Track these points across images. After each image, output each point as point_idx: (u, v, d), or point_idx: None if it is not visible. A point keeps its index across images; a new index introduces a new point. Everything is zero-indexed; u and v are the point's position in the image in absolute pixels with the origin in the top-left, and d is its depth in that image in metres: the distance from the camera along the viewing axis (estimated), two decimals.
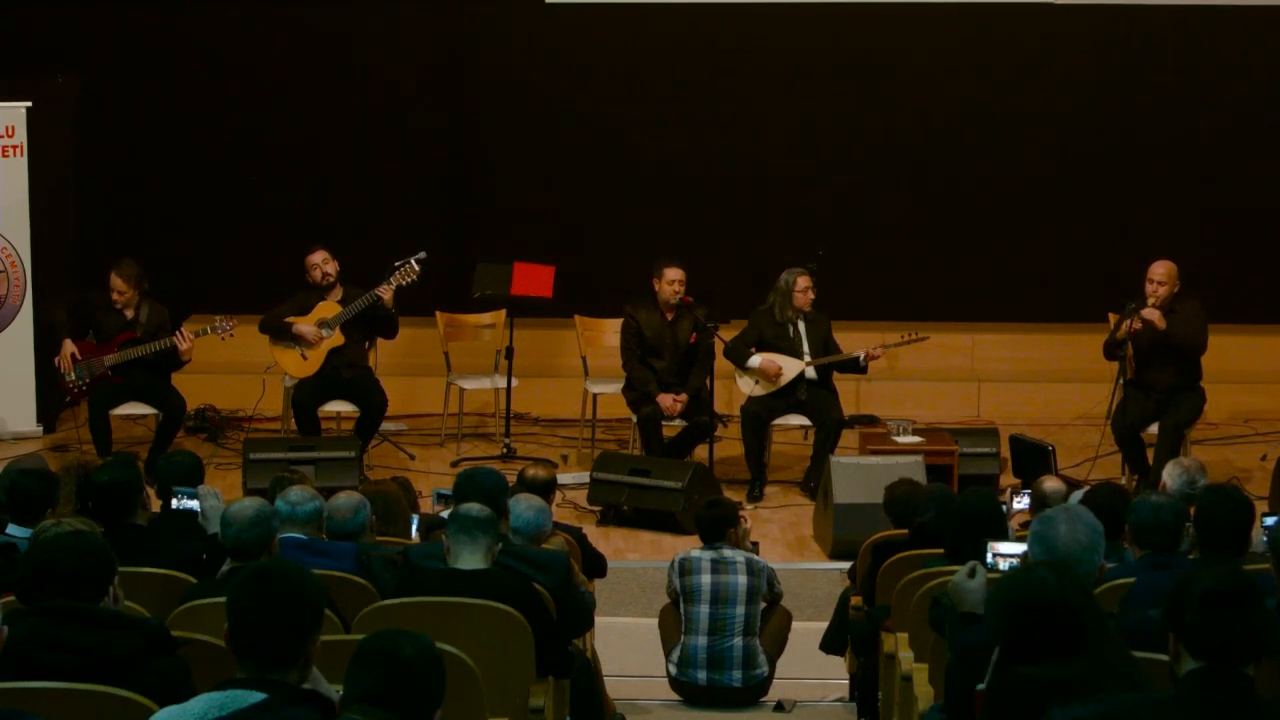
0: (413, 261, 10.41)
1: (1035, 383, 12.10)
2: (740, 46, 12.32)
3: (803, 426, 10.81)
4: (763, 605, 7.69)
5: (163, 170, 12.42)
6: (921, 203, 12.41)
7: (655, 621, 7.94)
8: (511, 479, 7.24)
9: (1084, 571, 4.68)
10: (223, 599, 3.83)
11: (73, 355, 10.22)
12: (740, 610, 7.57)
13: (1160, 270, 9.96)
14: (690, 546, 7.82)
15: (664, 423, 10.40)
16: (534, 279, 10.85)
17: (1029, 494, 7.83)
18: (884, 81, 12.33)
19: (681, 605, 7.64)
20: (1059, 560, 4.65)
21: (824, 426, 10.29)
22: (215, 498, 6.93)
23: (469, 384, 11.25)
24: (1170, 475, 6.74)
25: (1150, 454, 9.90)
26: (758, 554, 7.87)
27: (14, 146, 11.02)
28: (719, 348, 10.39)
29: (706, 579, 7.56)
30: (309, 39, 12.40)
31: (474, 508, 5.79)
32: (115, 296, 10.29)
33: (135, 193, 12.37)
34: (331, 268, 10.44)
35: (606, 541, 9.37)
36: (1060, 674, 3.92)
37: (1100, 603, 5.06)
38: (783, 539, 9.65)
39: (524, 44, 12.42)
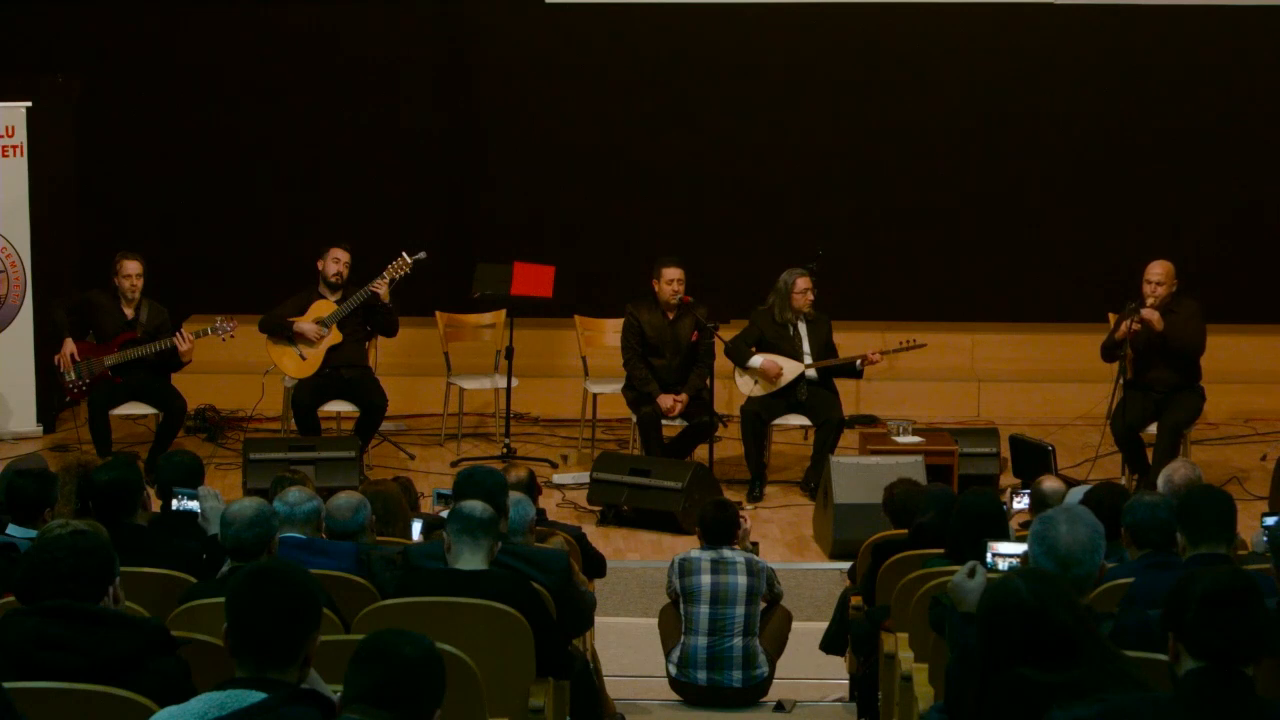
0: (404, 255, 10.42)
1: (1035, 383, 12.10)
2: (740, 46, 12.33)
3: (803, 426, 10.82)
4: (763, 605, 7.69)
5: (163, 170, 12.43)
6: (922, 203, 12.42)
7: (655, 621, 7.94)
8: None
9: (1085, 572, 4.68)
10: (223, 599, 3.83)
11: (72, 355, 10.22)
12: (740, 610, 7.57)
13: (1158, 270, 9.96)
14: (690, 546, 7.82)
15: (664, 423, 10.40)
16: (534, 279, 10.85)
17: (1029, 494, 7.82)
18: (884, 81, 12.34)
19: (681, 605, 7.64)
20: (1059, 561, 4.65)
21: (824, 426, 10.29)
22: (215, 498, 6.94)
23: (469, 384, 11.25)
24: (1163, 489, 6.70)
25: (1150, 454, 9.90)
26: (758, 554, 7.86)
27: (14, 146, 11.02)
28: (719, 347, 10.39)
29: (706, 579, 7.56)
30: (309, 39, 12.41)
31: (477, 507, 5.77)
32: (125, 282, 10.27)
33: (135, 193, 12.39)
34: (345, 270, 10.44)
35: (606, 541, 9.37)
36: (1059, 679, 3.92)
37: (1100, 603, 5.08)
38: (783, 539, 9.65)
39: (524, 44, 12.42)
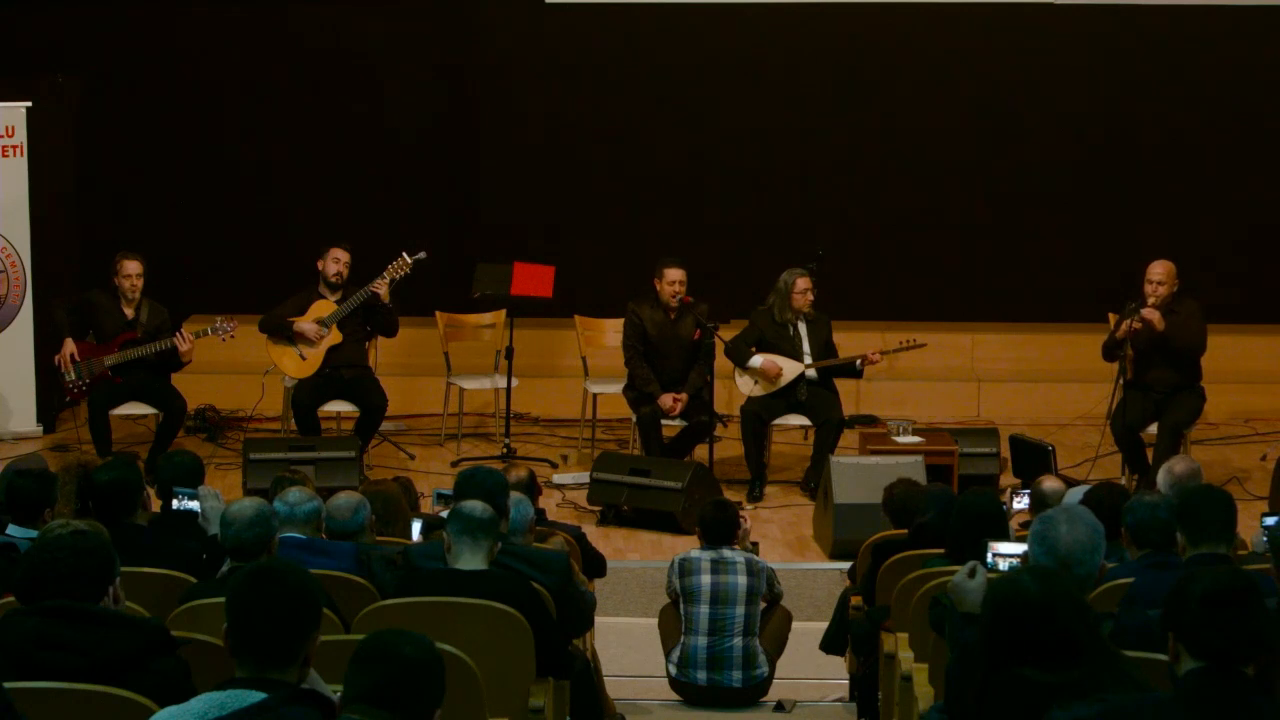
0: (404, 255, 10.42)
1: (1035, 383, 12.10)
2: (740, 47, 12.33)
3: (803, 426, 10.82)
4: (763, 605, 7.69)
5: (163, 171, 12.43)
6: (922, 202, 12.42)
7: (655, 621, 7.94)
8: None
9: (1085, 572, 4.68)
10: (223, 599, 3.83)
11: (72, 355, 10.22)
12: (740, 610, 7.57)
13: (1159, 270, 9.96)
14: (690, 546, 7.82)
15: (664, 422, 10.39)
16: (534, 279, 10.85)
17: (1029, 494, 7.82)
18: (884, 82, 12.34)
19: (681, 605, 7.64)
20: (1059, 561, 4.65)
21: (824, 426, 10.29)
22: (215, 498, 6.94)
23: (469, 384, 11.25)
24: (1161, 483, 6.72)
25: (1150, 454, 9.90)
26: (758, 554, 7.86)
27: (14, 146, 11.02)
28: (719, 347, 10.39)
29: (706, 579, 7.56)
30: (309, 39, 12.41)
31: (477, 507, 5.77)
32: (125, 282, 10.27)
33: (135, 193, 12.39)
34: (345, 270, 10.44)
35: (606, 541, 9.36)
36: (1060, 680, 3.92)
37: (1100, 603, 5.08)
38: (783, 539, 9.65)
39: (524, 44, 12.42)
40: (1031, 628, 3.97)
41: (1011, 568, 5.44)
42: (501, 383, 11.00)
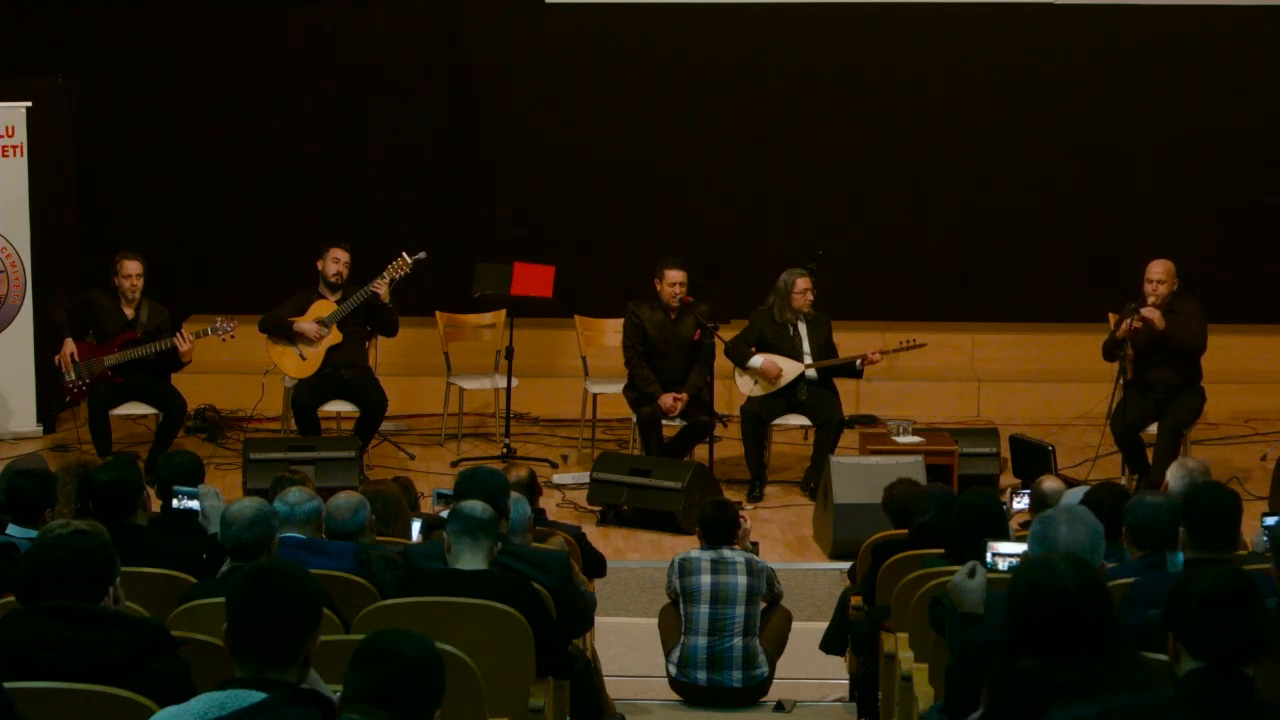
0: (404, 255, 10.42)
1: (1035, 383, 12.10)
2: (741, 47, 12.33)
3: (803, 426, 10.82)
4: (763, 605, 7.69)
5: (163, 170, 12.43)
6: (921, 203, 12.42)
7: (655, 621, 7.94)
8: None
9: None
10: (223, 599, 3.83)
11: (72, 355, 10.22)
12: (740, 610, 7.57)
13: (1159, 269, 9.96)
14: (690, 546, 7.82)
15: (664, 422, 10.39)
16: (534, 279, 10.85)
17: (1029, 494, 7.82)
18: (884, 82, 12.34)
19: (681, 605, 7.64)
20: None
21: (824, 426, 10.29)
22: (215, 498, 6.94)
23: (469, 384, 11.25)
24: (1173, 477, 6.73)
25: (1150, 454, 9.90)
26: (758, 554, 7.86)
27: (14, 146, 11.02)
28: (719, 347, 10.39)
29: (706, 579, 7.56)
30: (309, 39, 12.41)
31: (478, 507, 5.77)
32: (125, 282, 10.28)
33: (135, 193, 12.38)
34: (345, 270, 10.44)
35: (606, 541, 9.36)
36: (1065, 675, 3.91)
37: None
38: (783, 539, 9.65)
39: (524, 44, 12.42)
40: (1061, 615, 3.95)
41: (1012, 567, 5.44)
42: (501, 383, 11.00)
